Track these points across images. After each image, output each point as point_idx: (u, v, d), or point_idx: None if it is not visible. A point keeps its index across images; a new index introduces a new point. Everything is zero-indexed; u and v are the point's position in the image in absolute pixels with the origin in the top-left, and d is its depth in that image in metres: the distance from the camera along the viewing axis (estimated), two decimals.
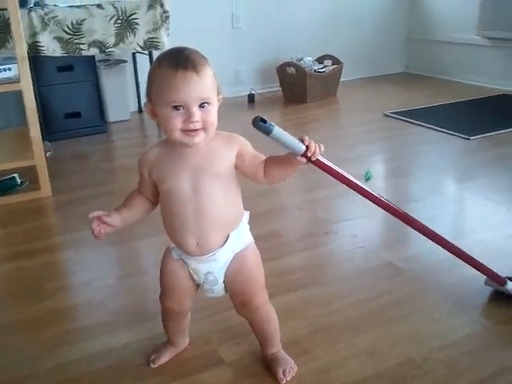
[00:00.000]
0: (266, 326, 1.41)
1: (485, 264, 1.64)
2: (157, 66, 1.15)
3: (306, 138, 1.16)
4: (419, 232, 1.56)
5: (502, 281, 1.66)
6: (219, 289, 1.35)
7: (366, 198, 1.42)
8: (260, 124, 1.12)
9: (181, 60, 1.11)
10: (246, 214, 1.34)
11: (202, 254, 1.28)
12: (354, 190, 1.39)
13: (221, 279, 1.32)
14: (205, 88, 1.13)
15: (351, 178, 1.36)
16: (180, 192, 1.22)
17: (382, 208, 1.46)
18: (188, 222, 1.24)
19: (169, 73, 1.11)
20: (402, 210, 1.51)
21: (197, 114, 1.13)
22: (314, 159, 1.17)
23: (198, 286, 1.37)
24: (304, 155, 1.16)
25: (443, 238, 1.59)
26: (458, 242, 2.03)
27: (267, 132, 1.13)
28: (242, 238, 1.32)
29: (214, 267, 1.30)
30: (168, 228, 1.30)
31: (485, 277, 1.69)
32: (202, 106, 1.14)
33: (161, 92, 1.14)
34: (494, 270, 1.66)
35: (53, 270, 2.04)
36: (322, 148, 1.18)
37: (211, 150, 1.22)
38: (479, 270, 1.65)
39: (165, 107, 1.14)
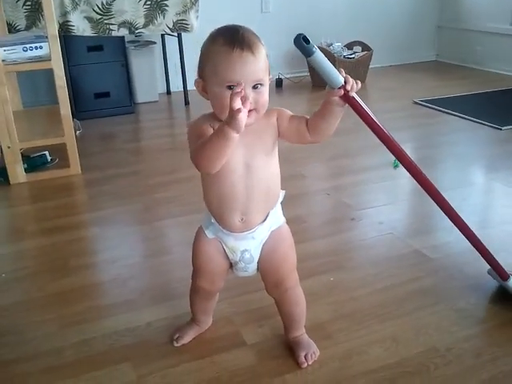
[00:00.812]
0: (293, 309, 1.41)
1: (492, 254, 1.59)
2: (211, 43, 1.14)
3: (343, 71, 1.12)
4: (436, 203, 1.50)
5: (505, 275, 1.60)
6: (253, 268, 1.35)
7: (393, 153, 1.38)
8: (301, 43, 1.04)
9: (237, 39, 1.10)
10: (282, 193, 1.33)
11: (243, 231, 1.28)
12: (382, 141, 1.34)
13: (256, 257, 1.33)
14: (259, 69, 1.12)
15: (383, 127, 1.31)
16: (234, 169, 1.21)
17: (407, 170, 1.42)
18: (237, 199, 1.24)
19: (225, 51, 1.10)
20: (428, 178, 1.46)
21: (250, 95, 1.12)
22: (351, 94, 1.13)
23: (230, 265, 1.37)
24: (342, 88, 1.11)
25: (456, 214, 1.53)
26: (485, 233, 2.03)
27: (308, 53, 1.06)
28: (277, 216, 1.33)
29: (251, 245, 1.31)
30: (213, 204, 1.29)
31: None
32: (255, 86, 1.13)
33: (215, 70, 1.12)
34: (500, 263, 1.61)
35: (79, 247, 2.07)
36: (360, 84, 1.14)
37: (259, 127, 1.20)
38: (484, 258, 1.59)
39: (218, 86, 1.13)
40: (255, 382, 1.35)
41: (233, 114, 1.02)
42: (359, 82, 1.14)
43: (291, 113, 1.26)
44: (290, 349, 1.44)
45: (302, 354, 1.39)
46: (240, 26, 1.15)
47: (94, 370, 1.40)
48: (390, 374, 1.36)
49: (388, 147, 1.35)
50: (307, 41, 1.04)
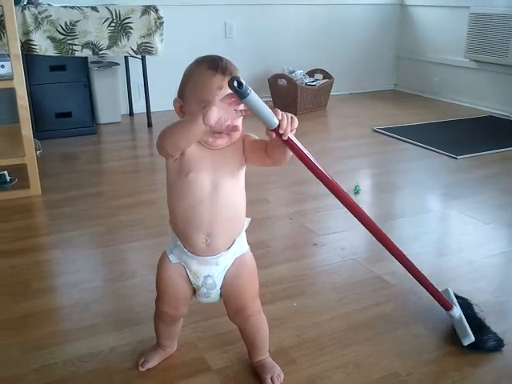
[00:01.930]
0: (256, 335, 1.42)
1: (432, 284, 1.60)
2: (195, 66, 1.22)
3: (279, 113, 1.10)
4: (372, 234, 1.45)
5: (448, 306, 1.63)
6: (215, 294, 1.36)
7: (332, 192, 1.34)
8: (234, 86, 1.05)
9: (220, 65, 1.19)
10: (247, 221, 1.35)
11: (206, 254, 1.29)
12: (321, 180, 1.30)
13: (219, 284, 1.34)
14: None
15: (320, 167, 1.28)
16: (201, 186, 1.25)
17: (347, 207, 1.38)
18: (202, 218, 1.26)
19: (207, 74, 1.18)
20: (367, 215, 1.42)
21: None
22: (284, 138, 1.13)
23: (194, 291, 1.38)
24: (275, 131, 1.11)
25: (394, 245, 1.49)
26: (442, 260, 2.12)
27: (242, 96, 1.06)
28: (242, 243, 1.35)
29: (214, 270, 1.32)
30: (178, 222, 1.30)
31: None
32: None
33: (195, 90, 1.20)
34: (441, 294, 1.63)
35: (40, 270, 2.03)
36: (296, 124, 1.13)
37: (227, 149, 1.26)
38: (426, 289, 1.60)
39: (196, 105, 1.18)
40: None
41: (211, 104, 1.07)
42: (295, 121, 1.12)
43: (256, 137, 1.30)
44: (256, 373, 1.45)
45: (268, 377, 1.41)
46: (222, 57, 1.23)
47: None
48: None
49: (326, 185, 1.33)
50: (240, 84, 1.06)
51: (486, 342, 1.56)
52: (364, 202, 2.71)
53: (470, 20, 4.63)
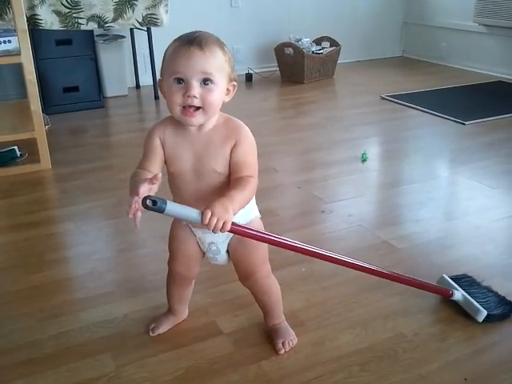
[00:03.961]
0: (266, 298, 1.46)
1: (425, 283, 1.61)
2: (171, 44, 1.18)
3: (207, 218, 1.10)
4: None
5: (447, 294, 1.61)
6: (222, 258, 1.40)
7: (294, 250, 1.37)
8: (149, 206, 1.06)
9: (188, 38, 1.14)
10: None
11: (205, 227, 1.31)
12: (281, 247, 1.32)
13: (223, 250, 1.37)
14: (207, 64, 1.12)
15: (272, 236, 1.28)
16: (183, 177, 1.26)
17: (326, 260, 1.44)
18: (189, 202, 1.23)
19: (175, 47, 1.15)
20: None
21: (196, 88, 1.13)
22: (215, 232, 1.12)
23: (203, 252, 1.41)
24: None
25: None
26: (450, 224, 2.13)
27: (160, 211, 1.08)
28: (247, 212, 1.34)
29: (217, 238, 1.35)
30: (175, 199, 1.33)
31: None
32: (204, 83, 1.14)
33: (166, 64, 1.17)
34: (437, 286, 1.64)
35: (53, 242, 2.07)
36: (226, 229, 1.12)
37: (211, 141, 1.22)
38: (423, 289, 1.61)
39: (168, 79, 1.15)
40: (233, 368, 1.39)
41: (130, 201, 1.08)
42: (226, 227, 1.11)
43: (247, 153, 1.24)
44: (267, 336, 1.49)
45: (280, 342, 1.44)
46: (201, 31, 1.17)
47: (74, 361, 1.43)
48: (360, 358, 1.42)
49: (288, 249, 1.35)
50: (154, 202, 1.06)
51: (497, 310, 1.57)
52: (372, 169, 2.72)
53: None
